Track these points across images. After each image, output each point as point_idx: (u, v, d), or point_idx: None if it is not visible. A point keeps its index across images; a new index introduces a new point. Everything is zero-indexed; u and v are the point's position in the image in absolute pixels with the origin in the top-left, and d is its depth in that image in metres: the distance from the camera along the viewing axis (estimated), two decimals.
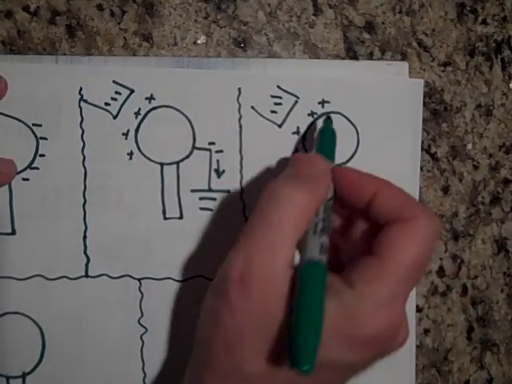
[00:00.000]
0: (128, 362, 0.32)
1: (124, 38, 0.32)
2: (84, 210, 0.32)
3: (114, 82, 0.31)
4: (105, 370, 0.32)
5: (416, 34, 0.33)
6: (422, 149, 0.33)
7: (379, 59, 0.33)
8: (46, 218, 0.31)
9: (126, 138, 0.32)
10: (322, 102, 0.32)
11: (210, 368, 0.25)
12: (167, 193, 0.32)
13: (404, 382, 0.34)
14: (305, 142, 0.32)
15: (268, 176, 0.32)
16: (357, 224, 0.27)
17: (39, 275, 0.32)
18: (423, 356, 0.35)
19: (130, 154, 0.32)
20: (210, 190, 0.32)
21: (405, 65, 0.33)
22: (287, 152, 0.32)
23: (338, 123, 0.31)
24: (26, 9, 0.31)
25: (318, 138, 0.30)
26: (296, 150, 0.32)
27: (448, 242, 0.35)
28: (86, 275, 0.32)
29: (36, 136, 0.31)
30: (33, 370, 0.32)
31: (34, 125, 0.31)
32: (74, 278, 0.32)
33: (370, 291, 0.23)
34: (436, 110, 0.34)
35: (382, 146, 0.32)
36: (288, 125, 0.32)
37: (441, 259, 0.35)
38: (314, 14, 0.33)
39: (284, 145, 0.32)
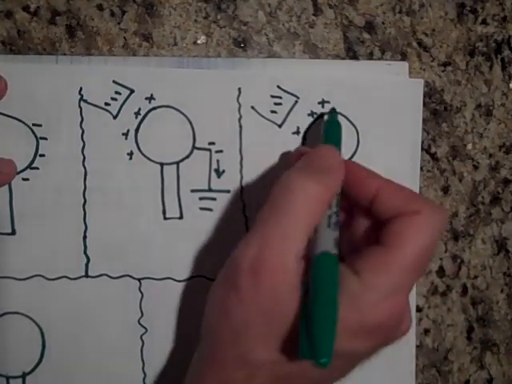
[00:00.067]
0: (128, 362, 0.32)
1: (124, 38, 0.32)
2: (84, 210, 0.32)
3: (114, 82, 0.31)
4: (105, 370, 0.32)
5: (416, 33, 0.33)
6: (422, 149, 0.33)
7: (379, 59, 0.33)
8: (46, 218, 0.31)
9: (126, 138, 0.32)
10: (322, 102, 0.32)
11: (216, 357, 0.25)
12: (167, 193, 0.32)
13: (404, 382, 0.34)
14: (305, 142, 0.32)
15: (268, 176, 0.32)
16: (358, 216, 0.27)
17: (39, 275, 0.32)
18: (423, 356, 0.35)
19: (130, 154, 0.32)
20: (210, 190, 0.32)
21: (405, 65, 0.33)
22: None
23: None
24: (26, 9, 0.31)
25: (323, 131, 0.30)
26: None
27: (448, 241, 0.35)
28: (86, 275, 0.32)
29: (36, 136, 0.31)
30: (33, 370, 0.32)
31: (34, 125, 0.31)
32: (74, 278, 0.32)
33: (376, 280, 0.24)
34: (436, 110, 0.34)
35: (381, 146, 0.32)
36: (288, 125, 0.32)
37: (441, 259, 0.35)
38: (313, 14, 0.33)
39: (284, 145, 0.32)
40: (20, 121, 0.31)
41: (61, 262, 0.32)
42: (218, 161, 0.32)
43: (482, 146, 0.35)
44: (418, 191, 0.33)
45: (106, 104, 0.31)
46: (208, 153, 0.32)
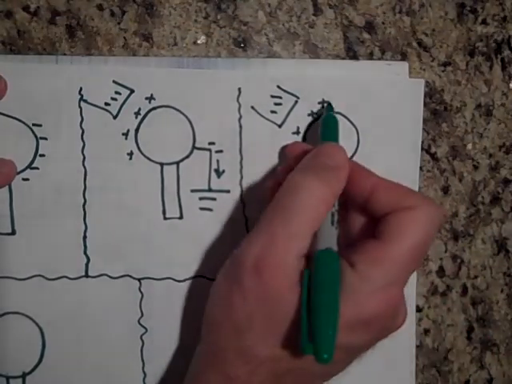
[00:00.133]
0: (128, 362, 0.32)
1: (124, 38, 0.32)
2: (84, 210, 0.32)
3: (114, 82, 0.31)
4: (105, 370, 0.32)
5: (416, 33, 0.33)
6: (422, 149, 0.33)
7: (379, 59, 0.33)
8: (46, 218, 0.31)
9: (126, 138, 0.32)
10: (322, 102, 0.32)
11: (217, 353, 0.25)
12: (167, 193, 0.32)
13: (404, 382, 0.34)
14: (305, 142, 0.32)
15: (268, 176, 0.32)
16: (353, 210, 0.27)
17: (39, 275, 0.32)
18: (423, 356, 0.35)
19: (130, 154, 0.32)
20: (210, 190, 0.32)
21: (405, 65, 0.33)
22: None
23: None
24: (25, 9, 0.31)
25: (321, 127, 0.30)
26: None
27: (448, 241, 0.35)
28: (86, 275, 0.32)
29: (36, 136, 0.31)
30: (33, 370, 0.32)
31: (34, 125, 0.31)
32: (74, 278, 0.32)
33: (371, 272, 0.24)
34: (436, 109, 0.34)
35: (382, 145, 0.32)
36: (288, 125, 0.32)
37: (441, 259, 0.35)
38: (314, 14, 0.33)
39: (284, 144, 0.32)
40: (20, 121, 0.31)
41: (61, 261, 0.32)
42: (217, 161, 0.32)
43: (481, 146, 0.35)
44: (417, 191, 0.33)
45: (106, 104, 0.31)
46: (208, 153, 0.32)
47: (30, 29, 0.31)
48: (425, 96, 0.33)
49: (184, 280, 0.32)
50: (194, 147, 0.32)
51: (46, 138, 0.31)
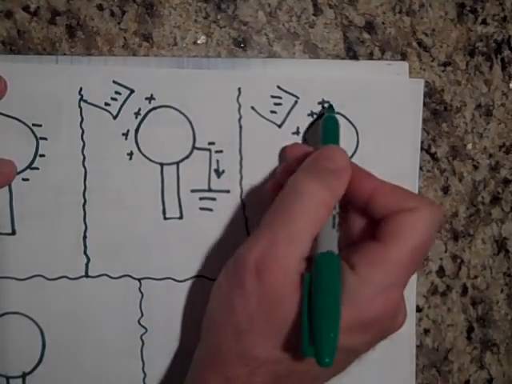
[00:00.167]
0: (128, 362, 0.32)
1: (124, 38, 0.32)
2: (84, 210, 0.32)
3: (114, 82, 0.31)
4: (105, 370, 0.32)
5: (416, 33, 0.33)
6: (422, 149, 0.33)
7: (379, 59, 0.33)
8: (46, 218, 0.31)
9: (126, 138, 0.32)
10: (322, 102, 0.32)
11: (218, 353, 0.26)
12: (167, 193, 0.32)
13: (404, 382, 0.34)
14: (305, 142, 0.32)
15: (268, 176, 0.32)
16: (353, 211, 0.28)
17: (39, 275, 0.32)
18: (423, 356, 0.35)
19: (130, 154, 0.32)
20: (209, 190, 0.32)
21: (405, 65, 0.33)
22: None
23: None
24: (25, 9, 0.31)
25: (321, 128, 0.30)
26: None
27: (448, 241, 0.35)
28: (86, 275, 0.32)
29: (36, 136, 0.31)
30: (33, 370, 0.32)
31: (34, 125, 0.31)
32: (74, 278, 0.32)
33: (372, 274, 0.24)
34: (436, 109, 0.34)
35: (381, 146, 0.32)
36: (288, 125, 0.32)
37: (441, 259, 0.35)
38: (314, 14, 0.33)
39: (284, 145, 0.32)
40: (20, 121, 0.31)
41: (61, 261, 0.32)
42: (217, 161, 0.32)
43: (481, 146, 0.35)
44: (417, 191, 0.33)
45: (106, 104, 0.31)
46: (208, 153, 0.32)
47: (30, 29, 0.31)
48: (425, 96, 0.33)
49: (184, 280, 0.32)
50: (193, 147, 0.32)
51: (45, 138, 0.31)
